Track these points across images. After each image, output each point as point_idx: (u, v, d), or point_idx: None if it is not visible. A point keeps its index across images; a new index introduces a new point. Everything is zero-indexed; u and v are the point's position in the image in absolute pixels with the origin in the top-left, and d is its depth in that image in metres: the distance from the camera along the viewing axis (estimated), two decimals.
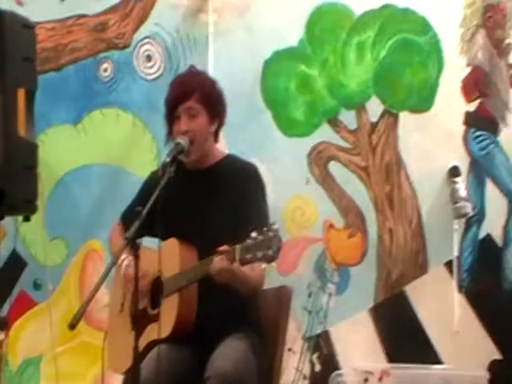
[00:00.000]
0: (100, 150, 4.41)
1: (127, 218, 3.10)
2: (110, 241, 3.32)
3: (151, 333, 2.94)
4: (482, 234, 4.09)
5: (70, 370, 4.30)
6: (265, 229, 2.65)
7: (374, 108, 4.19)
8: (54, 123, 4.42)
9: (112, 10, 4.44)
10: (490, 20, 4.11)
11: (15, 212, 3.31)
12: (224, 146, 3.34)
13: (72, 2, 4.46)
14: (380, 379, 3.98)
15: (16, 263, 4.36)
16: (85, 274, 4.40)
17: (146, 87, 4.39)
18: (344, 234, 4.19)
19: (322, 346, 4.15)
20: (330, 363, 4.12)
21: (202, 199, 3.07)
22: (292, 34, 4.26)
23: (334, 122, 4.23)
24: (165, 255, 2.82)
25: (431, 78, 4.15)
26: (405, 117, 4.17)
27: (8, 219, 3.61)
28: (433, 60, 4.15)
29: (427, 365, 3.97)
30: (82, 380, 4.34)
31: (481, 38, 4.11)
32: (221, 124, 3.14)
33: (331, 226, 4.20)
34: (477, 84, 4.10)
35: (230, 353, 2.86)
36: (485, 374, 3.92)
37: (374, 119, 4.20)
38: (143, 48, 4.40)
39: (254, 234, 2.66)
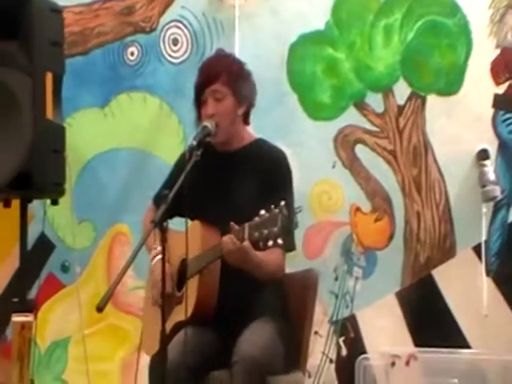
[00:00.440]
0: (127, 133, 4.42)
1: (158, 202, 3.11)
2: (143, 224, 3.35)
3: (177, 314, 2.96)
4: (510, 218, 4.07)
5: (97, 352, 4.33)
6: (272, 206, 2.64)
7: (402, 91, 4.16)
8: (81, 107, 4.43)
9: None
10: None
11: (43, 195, 3.33)
12: (250, 130, 3.33)
13: None
14: (407, 363, 3.97)
15: (44, 246, 4.39)
16: (112, 257, 4.42)
17: (172, 71, 4.38)
18: (371, 218, 4.18)
19: (348, 329, 4.14)
20: (356, 347, 4.12)
21: (229, 181, 3.07)
22: (318, 17, 4.24)
23: (361, 106, 4.21)
24: (189, 238, 2.83)
25: (459, 60, 4.12)
26: (432, 100, 4.14)
27: (36, 202, 3.63)
28: (461, 42, 4.11)
29: (455, 349, 3.95)
30: (110, 362, 4.38)
31: (511, 18, 4.07)
32: (250, 106, 3.14)
33: (358, 209, 4.19)
34: (506, 66, 4.06)
35: (257, 337, 2.87)
36: None
37: (401, 102, 4.17)
38: (169, 31, 4.40)
39: (262, 212, 2.66)
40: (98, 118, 4.44)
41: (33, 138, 3.11)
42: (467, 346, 3.99)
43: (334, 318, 4.15)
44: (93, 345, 4.30)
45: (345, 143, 4.22)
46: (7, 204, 3.36)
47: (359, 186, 4.20)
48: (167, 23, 4.40)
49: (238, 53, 4.17)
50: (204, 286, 2.93)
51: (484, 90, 4.07)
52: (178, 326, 2.93)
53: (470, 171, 4.06)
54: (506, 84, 4.07)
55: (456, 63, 4.12)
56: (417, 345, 4.04)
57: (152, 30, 4.42)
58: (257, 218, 2.67)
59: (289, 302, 3.14)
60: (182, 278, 3.02)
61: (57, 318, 4.43)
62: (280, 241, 2.63)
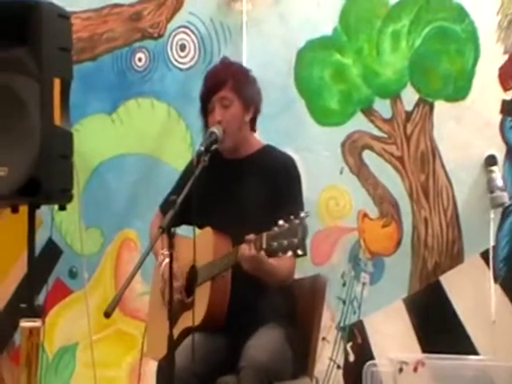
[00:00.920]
0: (135, 139, 4.43)
1: (165, 208, 3.12)
2: (150, 230, 3.35)
3: (185, 320, 2.96)
4: None
5: (105, 358, 4.33)
6: (292, 217, 2.64)
7: (409, 97, 4.16)
8: (89, 113, 4.44)
9: None
10: None
11: (51, 201, 3.34)
12: (257, 135, 3.33)
13: None
14: (415, 369, 3.96)
15: (52, 252, 4.40)
16: (120, 262, 4.43)
17: (180, 76, 4.39)
18: (378, 224, 4.18)
19: (356, 335, 4.14)
20: (364, 353, 4.11)
21: (238, 189, 3.07)
22: (326, 23, 4.24)
23: (369, 111, 4.21)
24: (199, 244, 2.83)
25: (467, 66, 4.11)
26: (440, 106, 4.13)
27: (44, 208, 3.64)
28: (469, 48, 4.11)
29: (463, 355, 3.94)
30: (118, 367, 4.38)
31: None
32: (256, 112, 3.14)
33: (365, 215, 4.19)
34: None
35: (265, 342, 2.87)
36: None
37: (409, 108, 4.17)
38: (177, 37, 4.41)
39: (280, 222, 2.66)
40: (105, 124, 4.45)
41: (41, 144, 3.12)
42: (475, 353, 3.98)
43: (342, 324, 4.14)
44: (100, 350, 4.30)
45: (352, 149, 4.22)
46: (15, 210, 3.37)
47: (367, 191, 4.19)
48: (175, 29, 4.41)
49: (246, 59, 4.18)
50: (216, 292, 2.94)
51: (492, 95, 4.07)
52: (187, 332, 2.93)
53: (478, 177, 4.05)
54: None
55: (464, 69, 4.11)
56: (425, 351, 4.03)
57: (160, 35, 4.44)
58: (276, 228, 2.67)
59: (297, 308, 3.14)
60: (191, 285, 3.03)
61: (65, 324, 4.44)
62: (300, 251, 2.64)
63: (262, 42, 4.30)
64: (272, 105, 4.12)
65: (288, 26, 4.29)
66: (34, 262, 3.26)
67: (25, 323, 3.05)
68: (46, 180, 3.11)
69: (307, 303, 3.15)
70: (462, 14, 4.10)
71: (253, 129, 3.17)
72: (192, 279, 3.01)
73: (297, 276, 3.19)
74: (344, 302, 4.13)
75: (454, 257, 4.09)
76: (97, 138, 4.43)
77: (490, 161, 4.03)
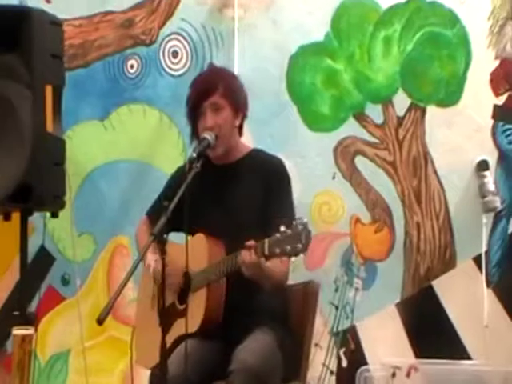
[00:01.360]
0: (127, 145, 4.42)
1: (153, 214, 3.11)
2: (137, 237, 3.34)
3: (179, 328, 2.95)
4: (511, 229, 4.07)
5: (98, 365, 4.33)
6: (294, 222, 2.64)
7: (401, 102, 4.17)
8: (81, 119, 4.44)
9: (139, 6, 4.45)
10: None
11: (43, 208, 3.34)
12: (250, 141, 3.34)
13: None
14: (408, 374, 3.97)
15: (44, 259, 4.39)
16: (112, 269, 4.42)
17: (172, 83, 4.39)
18: (371, 229, 4.18)
19: (349, 341, 4.14)
20: (357, 358, 4.11)
21: (229, 194, 3.07)
22: (318, 29, 4.25)
23: (361, 117, 4.22)
24: (192, 250, 2.83)
25: (459, 71, 4.12)
26: (432, 111, 4.15)
27: (36, 215, 3.64)
28: (460, 53, 4.12)
29: (456, 360, 3.94)
30: (110, 374, 4.37)
31: (510, 30, 4.08)
32: (244, 117, 3.15)
33: (358, 220, 4.19)
34: (505, 77, 4.07)
35: (254, 346, 2.86)
36: None
37: (401, 113, 4.18)
38: (169, 44, 4.41)
39: (282, 228, 2.66)
40: (98, 131, 4.45)
41: (33, 151, 3.12)
42: (468, 357, 3.98)
43: (335, 330, 4.14)
44: (93, 357, 4.30)
45: (345, 154, 4.22)
46: (7, 217, 3.37)
47: (359, 197, 4.20)
48: (167, 35, 4.41)
49: (238, 64, 4.18)
50: (212, 298, 2.93)
51: (483, 101, 4.08)
52: (181, 339, 2.92)
53: (470, 182, 4.06)
54: (506, 95, 4.08)
55: (455, 74, 4.13)
56: (417, 356, 4.04)
57: (152, 42, 4.43)
58: (277, 235, 2.66)
59: (290, 313, 3.13)
60: (184, 291, 3.02)
61: (57, 331, 4.42)
62: (302, 255, 2.65)
63: (254, 47, 4.31)
64: (264, 110, 4.13)
65: (280, 32, 4.29)
66: (27, 269, 3.27)
67: (17, 331, 3.04)
68: (38, 187, 3.12)
69: (300, 309, 3.14)
70: (453, 20, 4.12)
71: (240, 134, 3.18)
72: (185, 286, 3.00)
73: (290, 281, 3.19)
74: (337, 308, 4.13)
75: (446, 262, 4.10)
76: (89, 144, 4.43)
77: (482, 166, 4.04)
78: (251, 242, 2.75)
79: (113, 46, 4.47)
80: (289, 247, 2.63)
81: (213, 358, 2.95)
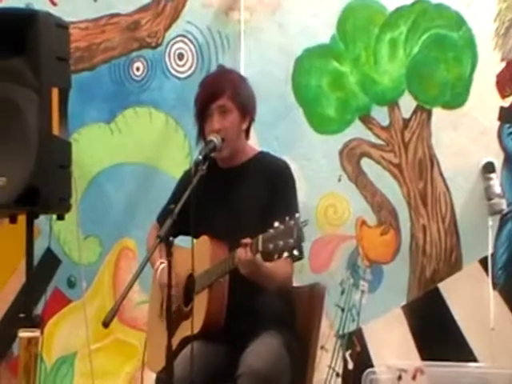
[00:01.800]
0: (133, 148, 4.43)
1: (162, 219, 3.11)
2: (147, 242, 3.35)
3: (184, 330, 2.96)
4: None
5: (104, 368, 4.33)
6: (287, 218, 2.64)
7: (407, 104, 4.17)
8: (87, 122, 4.44)
9: (144, 8, 4.46)
10: None
11: (49, 210, 3.35)
12: (256, 143, 3.34)
13: (105, 1, 4.48)
14: (414, 377, 3.96)
15: (50, 261, 4.39)
16: (118, 272, 4.42)
17: (178, 85, 4.40)
18: (377, 232, 4.18)
19: (354, 343, 4.13)
20: (363, 361, 4.11)
21: (235, 197, 3.07)
22: (324, 31, 4.25)
23: (367, 119, 4.21)
24: (196, 253, 2.83)
25: (465, 73, 4.12)
26: (438, 113, 4.14)
27: (42, 218, 3.65)
28: (466, 55, 4.12)
29: (462, 363, 3.94)
30: (116, 377, 4.37)
31: None
32: (251, 121, 3.15)
33: (364, 223, 4.19)
34: (511, 79, 4.07)
35: (263, 350, 2.86)
36: None
37: (407, 115, 4.18)
38: (175, 46, 4.41)
39: (276, 224, 2.66)
40: (104, 134, 4.45)
41: (39, 154, 3.13)
42: (474, 360, 3.98)
43: (341, 332, 4.14)
44: (99, 360, 4.30)
45: (350, 157, 4.22)
46: (13, 220, 3.38)
47: (365, 199, 4.20)
48: (173, 38, 4.42)
49: (244, 67, 4.18)
50: (214, 299, 2.93)
51: (489, 103, 4.08)
52: (186, 342, 2.92)
53: (476, 184, 4.06)
54: None
55: (461, 76, 4.12)
56: (424, 358, 4.03)
57: (158, 45, 4.44)
58: (271, 230, 2.67)
59: (296, 316, 3.13)
60: (189, 294, 3.03)
61: (63, 334, 4.43)
62: (296, 252, 2.63)
63: (260, 50, 4.31)
64: (270, 113, 4.13)
65: (286, 35, 4.30)
66: (33, 272, 3.27)
67: (23, 333, 3.05)
68: (45, 189, 3.12)
69: (306, 311, 3.14)
70: (459, 22, 4.11)
71: (247, 137, 3.18)
72: (190, 288, 3.01)
73: (295, 284, 3.19)
74: (343, 310, 4.13)
75: (452, 264, 4.10)
76: (95, 147, 4.43)
77: (488, 168, 4.04)
78: (247, 240, 2.76)
79: (119, 49, 4.48)
80: (281, 243, 2.63)
81: (218, 360, 2.95)
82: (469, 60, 4.12)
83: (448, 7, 4.13)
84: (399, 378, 3.97)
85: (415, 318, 4.08)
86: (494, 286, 4.02)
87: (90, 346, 4.17)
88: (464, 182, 4.09)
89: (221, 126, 3.03)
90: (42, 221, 3.74)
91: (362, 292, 4.14)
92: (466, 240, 4.09)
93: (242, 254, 2.77)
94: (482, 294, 4.00)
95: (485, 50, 4.09)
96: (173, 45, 4.42)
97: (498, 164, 4.06)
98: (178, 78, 4.41)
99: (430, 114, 4.15)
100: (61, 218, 3.36)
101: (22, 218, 3.41)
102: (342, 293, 4.14)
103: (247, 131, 3.16)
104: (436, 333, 4.03)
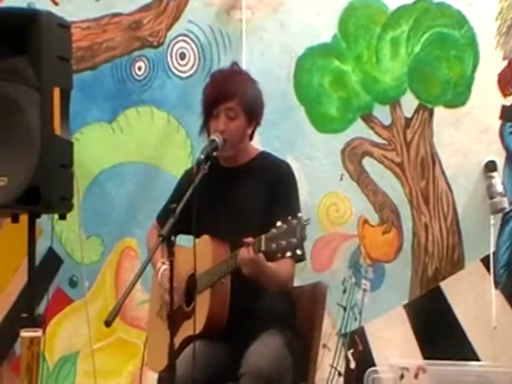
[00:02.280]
0: (135, 148, 4.43)
1: (164, 219, 3.11)
2: (147, 241, 3.35)
3: (186, 329, 2.96)
4: None
5: (106, 367, 4.33)
6: (289, 217, 2.65)
7: (409, 103, 4.16)
8: (89, 122, 4.44)
9: (146, 8, 4.46)
10: None
11: (51, 210, 3.35)
12: (257, 142, 3.33)
13: (107, 0, 4.47)
14: (416, 376, 3.96)
15: (52, 261, 4.40)
16: (120, 271, 4.43)
17: (179, 85, 4.40)
18: (379, 230, 4.18)
19: (357, 342, 4.13)
20: (365, 360, 4.11)
21: (237, 196, 3.08)
22: (325, 30, 4.25)
23: (369, 118, 4.21)
24: (198, 252, 2.83)
25: (467, 72, 4.12)
26: (440, 112, 4.14)
27: (44, 217, 3.65)
28: (468, 54, 4.11)
29: (464, 361, 3.94)
30: (118, 376, 4.38)
31: None
32: (257, 125, 3.15)
33: (366, 222, 4.19)
34: None
35: (265, 349, 2.86)
36: None
37: (409, 114, 4.17)
38: (177, 46, 4.41)
39: (278, 224, 2.66)
40: (105, 133, 4.45)
41: (41, 153, 3.13)
42: (476, 359, 3.98)
43: (343, 331, 4.14)
44: (101, 359, 4.30)
45: (352, 156, 4.22)
46: (15, 219, 3.38)
47: (367, 198, 4.20)
48: (174, 37, 4.42)
49: (245, 66, 4.18)
50: (216, 299, 2.94)
51: (491, 101, 4.07)
52: (188, 341, 2.92)
53: (478, 183, 4.06)
54: None
55: (463, 75, 4.12)
56: (426, 357, 4.03)
57: (159, 44, 4.44)
58: (274, 230, 2.67)
59: (297, 315, 3.13)
60: (190, 294, 3.03)
61: (65, 333, 4.43)
62: (299, 251, 2.64)
63: (262, 49, 4.31)
64: (272, 112, 4.12)
65: (287, 34, 4.29)
66: (35, 272, 3.27)
67: (25, 333, 3.05)
68: (46, 189, 3.12)
69: (308, 310, 3.14)
70: (461, 20, 4.11)
71: (251, 138, 3.18)
72: (192, 288, 3.01)
73: (297, 283, 3.19)
74: (345, 309, 4.13)
75: (454, 263, 4.10)
76: (97, 146, 4.43)
77: (490, 166, 4.04)
78: (249, 239, 2.76)
79: (120, 48, 4.47)
80: (284, 242, 2.64)
81: (220, 360, 2.95)
82: (471, 59, 4.11)
83: (450, 6, 4.13)
84: (401, 376, 3.97)
85: (417, 317, 4.08)
86: (496, 284, 4.01)
87: (92, 345, 4.17)
88: (466, 181, 4.09)
89: (226, 128, 3.02)
90: (43, 220, 3.74)
91: (364, 291, 4.14)
92: (467, 239, 4.09)
93: (245, 253, 2.77)
94: (484, 293, 4.00)
95: (487, 49, 4.09)
96: (175, 44, 4.42)
97: (500, 163, 4.06)
98: (180, 78, 4.41)
99: (431, 112, 4.15)
100: (63, 217, 3.36)
101: (23, 218, 3.41)
102: (344, 292, 4.15)
103: (251, 133, 3.16)
104: (438, 331, 4.03)
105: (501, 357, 3.92)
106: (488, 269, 4.02)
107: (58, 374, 4.45)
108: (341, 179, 4.22)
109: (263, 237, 2.71)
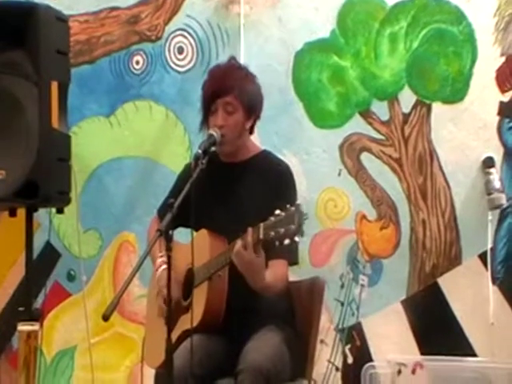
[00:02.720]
0: (133, 142, 4.43)
1: (162, 212, 3.11)
2: (148, 236, 3.36)
3: (184, 323, 2.96)
4: None
5: (103, 361, 4.34)
6: (288, 205, 2.65)
7: (407, 99, 4.16)
8: (87, 116, 4.45)
9: (144, 2, 4.46)
10: None
11: (49, 204, 3.34)
12: (256, 138, 3.33)
13: None
14: (413, 371, 3.97)
15: (50, 255, 4.40)
16: (118, 265, 4.43)
17: (178, 79, 4.40)
18: (376, 226, 4.18)
19: (354, 337, 4.14)
20: (362, 355, 4.11)
21: (235, 192, 3.08)
22: (324, 26, 4.24)
23: (367, 114, 4.21)
24: (196, 246, 2.83)
25: (465, 68, 4.11)
26: (438, 108, 4.14)
27: (42, 211, 3.64)
28: (466, 50, 4.11)
29: (461, 357, 3.94)
30: (116, 371, 4.38)
31: None
32: (256, 119, 3.15)
33: (364, 217, 4.19)
34: (511, 74, 4.06)
35: (263, 345, 2.87)
36: None
37: (407, 110, 4.17)
38: (175, 40, 4.41)
39: (277, 212, 2.67)
40: (103, 127, 4.45)
41: (38, 147, 3.12)
42: (474, 354, 3.98)
43: (340, 326, 4.14)
44: (99, 354, 4.30)
45: (350, 151, 4.22)
46: (13, 213, 3.37)
47: (365, 193, 4.19)
48: (172, 32, 4.42)
49: (244, 61, 4.17)
50: (213, 292, 2.94)
51: (489, 97, 4.07)
52: (185, 335, 2.92)
53: (476, 179, 4.06)
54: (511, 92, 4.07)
55: (461, 71, 4.12)
56: (423, 353, 4.03)
57: (158, 38, 4.44)
58: (272, 218, 2.68)
59: (295, 310, 3.14)
60: (188, 288, 3.03)
61: (63, 327, 4.44)
62: (297, 238, 2.64)
63: (260, 44, 4.31)
64: (270, 107, 4.10)
65: (286, 29, 4.29)
66: (32, 266, 3.26)
67: (23, 327, 3.05)
68: (44, 183, 3.11)
69: (305, 305, 3.15)
70: (459, 16, 4.11)
71: (251, 132, 3.18)
72: (189, 282, 3.01)
73: (295, 278, 3.19)
74: (342, 304, 4.13)
75: (452, 259, 4.10)
76: (95, 140, 4.44)
77: (488, 162, 4.03)
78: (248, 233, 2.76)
79: (118, 42, 4.47)
80: (282, 229, 2.64)
81: (218, 354, 2.96)
82: (469, 55, 4.11)
83: (448, 2, 4.12)
84: (399, 372, 3.98)
85: (415, 313, 4.08)
86: (494, 280, 4.01)
87: (89, 339, 4.18)
88: (464, 177, 4.09)
89: (224, 123, 3.03)
90: (41, 214, 3.74)
91: (362, 286, 4.14)
92: (465, 235, 4.09)
93: (238, 244, 2.77)
94: (482, 289, 4.00)
95: (485, 45, 4.08)
96: (173, 38, 4.41)
97: (498, 159, 4.06)
98: (178, 72, 4.41)
99: (429, 108, 4.15)
100: (60, 211, 3.35)
101: (21, 212, 3.40)
102: (342, 287, 4.15)
103: (251, 128, 3.16)
104: (435, 327, 4.03)
105: (498, 353, 3.92)
106: (485, 265, 4.02)
107: (56, 368, 4.45)
108: (339, 175, 4.22)
109: (262, 225, 2.72)
